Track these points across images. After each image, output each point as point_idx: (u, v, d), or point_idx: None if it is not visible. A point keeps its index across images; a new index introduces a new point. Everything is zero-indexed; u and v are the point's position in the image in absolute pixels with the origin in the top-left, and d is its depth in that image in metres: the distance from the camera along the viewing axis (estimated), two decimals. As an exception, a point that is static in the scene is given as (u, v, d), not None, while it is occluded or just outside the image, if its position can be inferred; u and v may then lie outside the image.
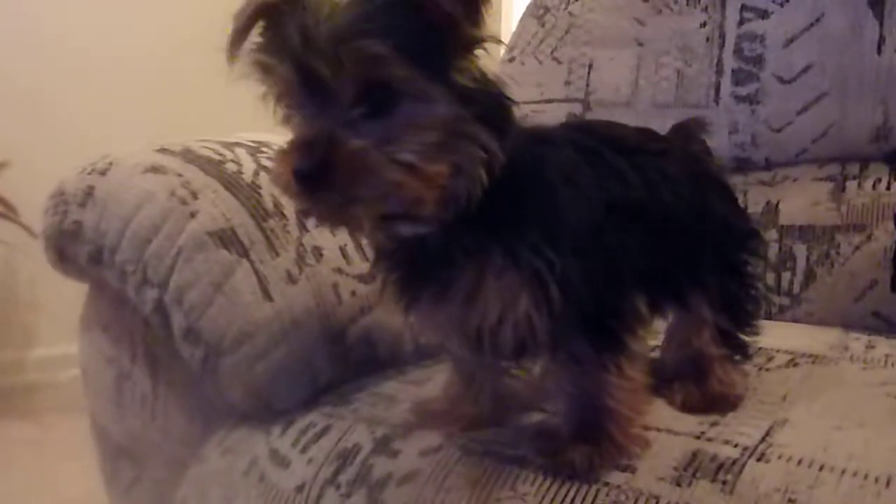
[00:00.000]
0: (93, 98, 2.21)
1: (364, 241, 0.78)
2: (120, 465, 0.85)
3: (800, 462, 0.53)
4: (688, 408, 0.64)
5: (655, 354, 0.77)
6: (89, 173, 0.80)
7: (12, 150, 1.97)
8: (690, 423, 0.61)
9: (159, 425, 0.79)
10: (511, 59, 1.36)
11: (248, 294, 0.70)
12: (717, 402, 0.64)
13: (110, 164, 0.80)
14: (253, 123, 0.77)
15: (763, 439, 0.57)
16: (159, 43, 2.31)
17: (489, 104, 0.52)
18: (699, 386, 0.65)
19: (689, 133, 0.73)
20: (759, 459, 0.54)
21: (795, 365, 0.75)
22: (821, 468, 0.52)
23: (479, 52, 0.52)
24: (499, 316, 0.54)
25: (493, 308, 0.54)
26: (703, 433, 0.59)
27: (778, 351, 0.79)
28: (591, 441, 0.56)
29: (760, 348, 0.80)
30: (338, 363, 0.74)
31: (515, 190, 0.54)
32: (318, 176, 0.47)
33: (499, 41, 0.51)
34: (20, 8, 2.14)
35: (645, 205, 0.61)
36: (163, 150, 0.81)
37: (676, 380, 0.66)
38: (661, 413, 0.63)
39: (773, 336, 0.87)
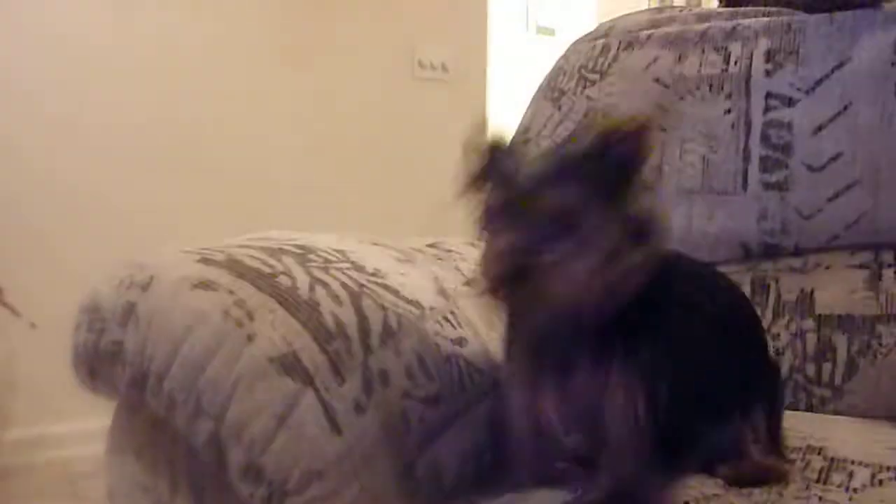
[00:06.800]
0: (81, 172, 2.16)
1: (430, 360, 0.74)
2: None
3: None
4: (736, 481, 0.67)
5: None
6: (128, 287, 0.74)
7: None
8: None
9: (206, 564, 0.73)
10: (526, 142, 1.35)
11: (314, 427, 0.65)
12: (767, 473, 0.68)
13: (151, 277, 0.74)
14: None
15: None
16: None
17: (645, 231, 0.61)
18: (742, 459, 0.70)
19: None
20: None
21: (881, 483, 0.72)
22: None
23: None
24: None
25: (610, 410, 0.61)
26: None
27: (853, 462, 0.76)
28: None
29: (832, 459, 0.78)
30: (407, 499, 0.69)
31: (641, 305, 0.61)
32: (518, 278, 0.58)
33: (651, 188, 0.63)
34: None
35: (733, 320, 0.71)
36: (206, 261, 0.76)
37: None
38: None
39: (828, 437, 0.85)
